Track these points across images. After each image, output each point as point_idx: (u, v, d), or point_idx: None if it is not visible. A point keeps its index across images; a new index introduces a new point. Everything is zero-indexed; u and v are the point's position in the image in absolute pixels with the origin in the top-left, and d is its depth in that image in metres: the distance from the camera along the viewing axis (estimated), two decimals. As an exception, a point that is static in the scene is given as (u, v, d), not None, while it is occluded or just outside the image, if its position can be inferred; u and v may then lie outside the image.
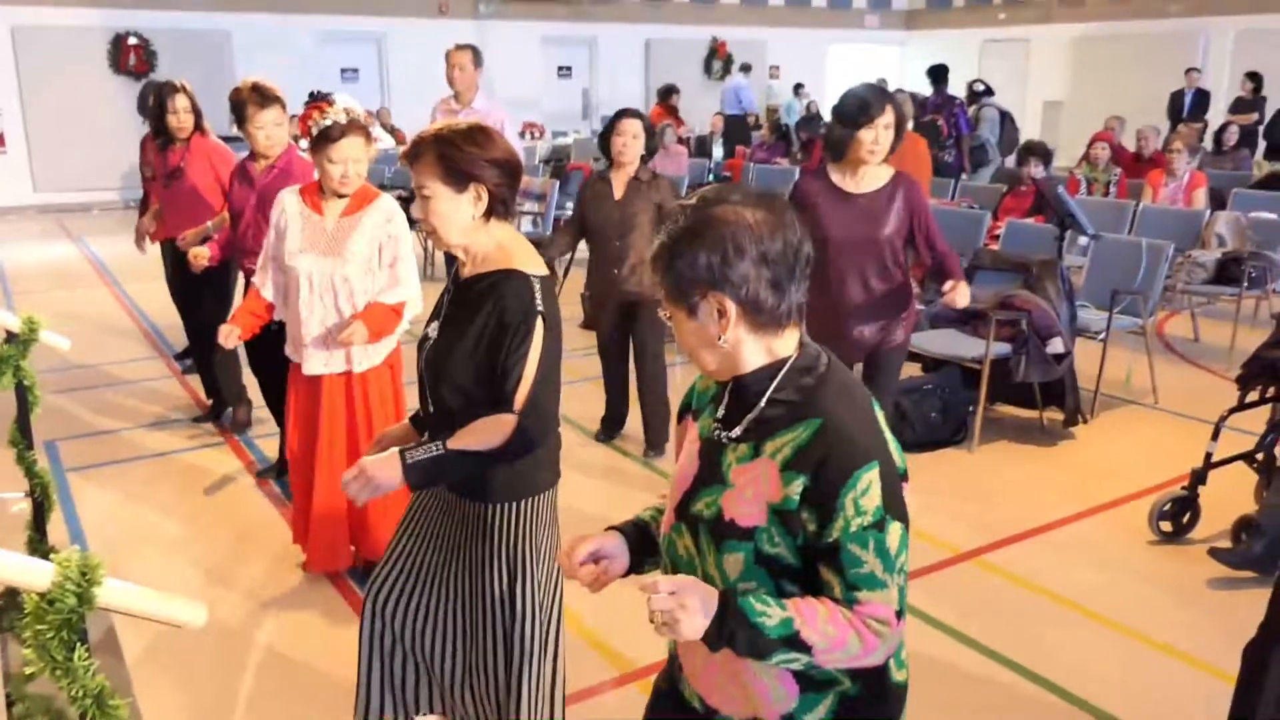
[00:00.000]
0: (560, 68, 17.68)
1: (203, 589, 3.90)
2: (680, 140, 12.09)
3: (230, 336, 3.74)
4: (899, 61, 20.10)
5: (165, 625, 1.67)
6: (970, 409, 5.49)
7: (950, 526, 4.46)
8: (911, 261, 4.20)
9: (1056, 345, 5.40)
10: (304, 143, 3.46)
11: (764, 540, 1.55)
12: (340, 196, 3.59)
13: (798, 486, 1.52)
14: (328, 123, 3.36)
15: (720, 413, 1.66)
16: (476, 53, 6.50)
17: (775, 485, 1.54)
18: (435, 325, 2.41)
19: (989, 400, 5.67)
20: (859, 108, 3.80)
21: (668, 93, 14.20)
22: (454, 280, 2.42)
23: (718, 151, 12.67)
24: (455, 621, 2.47)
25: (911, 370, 6.07)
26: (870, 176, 3.95)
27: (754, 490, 1.56)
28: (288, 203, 3.67)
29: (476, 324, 2.30)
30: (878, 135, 3.80)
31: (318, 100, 3.37)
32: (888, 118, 3.79)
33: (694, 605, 1.46)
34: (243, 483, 4.91)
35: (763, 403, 1.59)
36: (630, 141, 4.94)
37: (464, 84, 6.43)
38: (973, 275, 6.19)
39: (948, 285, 3.92)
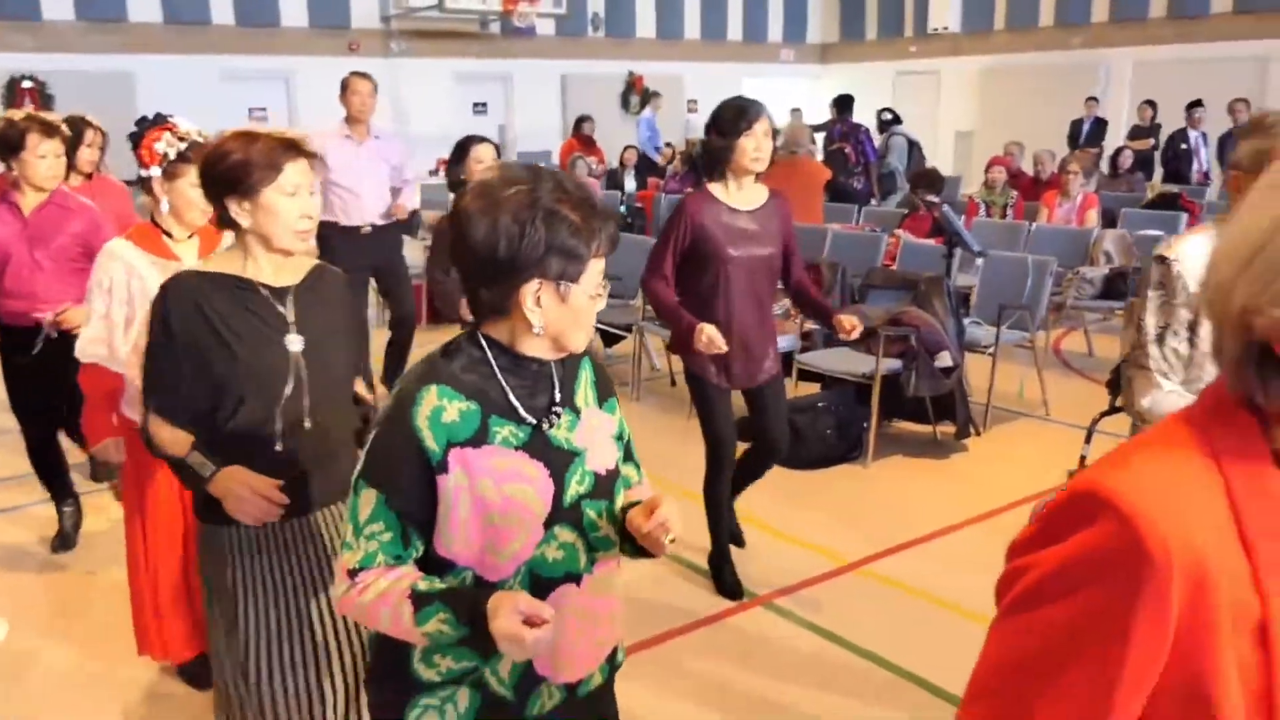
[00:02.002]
0: (476, 104, 17.63)
1: (81, 641, 3.79)
2: (591, 173, 12.10)
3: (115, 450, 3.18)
4: (813, 93, 20.41)
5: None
6: (865, 425, 5.55)
7: (839, 539, 4.49)
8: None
9: (945, 359, 5.49)
10: (153, 170, 2.99)
11: (621, 465, 1.81)
12: (191, 236, 3.14)
13: (618, 409, 1.83)
14: (186, 145, 2.97)
15: (531, 402, 1.67)
16: (374, 81, 6.44)
17: (607, 420, 1.78)
18: (292, 337, 2.26)
19: (885, 417, 5.73)
20: (736, 115, 3.64)
21: (580, 123, 14.25)
22: (266, 287, 2.27)
23: (630, 184, 12.71)
24: None
25: (809, 389, 6.13)
26: (753, 192, 3.78)
27: (599, 437, 1.75)
28: (131, 258, 3.04)
29: (342, 319, 2.39)
30: (759, 142, 3.62)
31: (158, 124, 3.00)
32: (765, 124, 3.64)
33: None
34: (102, 528, 4.63)
35: (554, 369, 1.70)
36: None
37: (369, 112, 6.34)
38: (866, 293, 6.30)
39: (841, 319, 3.68)
